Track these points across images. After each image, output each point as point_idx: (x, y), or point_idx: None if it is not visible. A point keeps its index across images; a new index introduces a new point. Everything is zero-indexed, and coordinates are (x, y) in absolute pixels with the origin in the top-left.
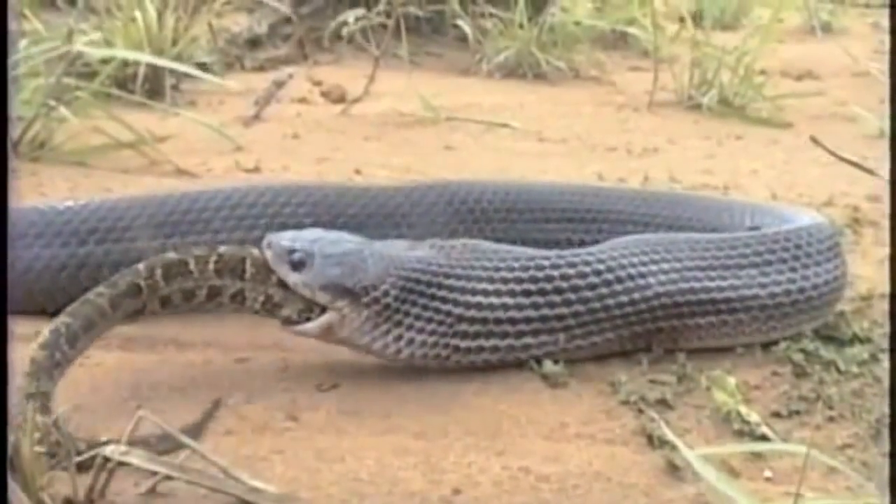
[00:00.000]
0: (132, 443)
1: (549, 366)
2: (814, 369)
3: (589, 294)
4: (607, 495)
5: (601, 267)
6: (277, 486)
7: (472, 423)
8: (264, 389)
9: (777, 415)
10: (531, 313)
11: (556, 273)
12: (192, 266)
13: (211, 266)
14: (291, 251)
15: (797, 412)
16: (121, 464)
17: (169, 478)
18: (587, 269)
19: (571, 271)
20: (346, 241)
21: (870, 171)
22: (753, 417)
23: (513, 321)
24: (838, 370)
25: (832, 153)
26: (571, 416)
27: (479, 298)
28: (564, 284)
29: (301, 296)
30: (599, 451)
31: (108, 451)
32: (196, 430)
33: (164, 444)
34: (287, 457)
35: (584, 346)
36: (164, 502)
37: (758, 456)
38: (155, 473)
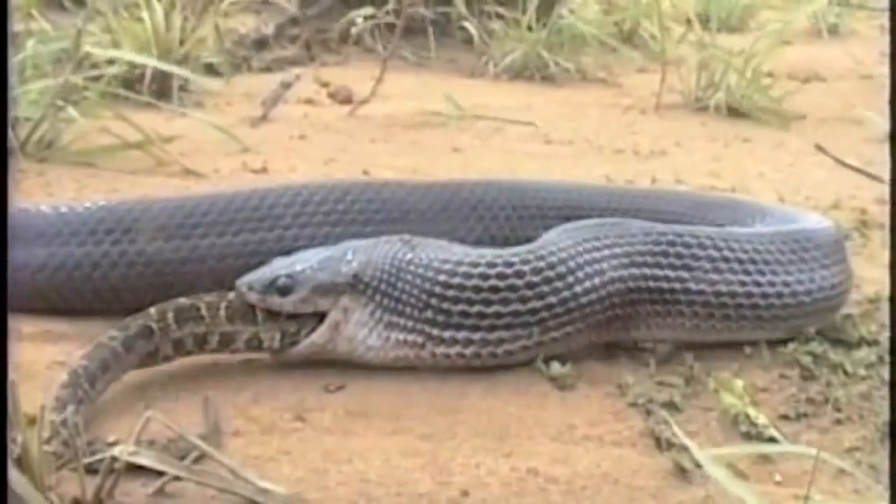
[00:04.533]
0: (148, 444)
1: (556, 367)
2: (821, 372)
3: (559, 286)
4: (615, 497)
5: (574, 262)
6: (285, 486)
7: (480, 424)
8: (272, 390)
9: (785, 417)
10: (501, 308)
11: (526, 268)
12: (203, 311)
13: (222, 312)
14: (274, 280)
15: (805, 415)
16: (130, 464)
17: (177, 478)
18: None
19: (542, 264)
20: (311, 253)
21: (873, 177)
22: (761, 420)
23: (482, 315)
24: (846, 373)
25: (837, 160)
26: (579, 418)
27: (445, 291)
28: (535, 279)
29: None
30: (607, 453)
31: (117, 451)
32: (214, 437)
33: (178, 448)
34: (295, 457)
35: (558, 338)
36: (173, 503)
37: (766, 458)
38: (163, 474)
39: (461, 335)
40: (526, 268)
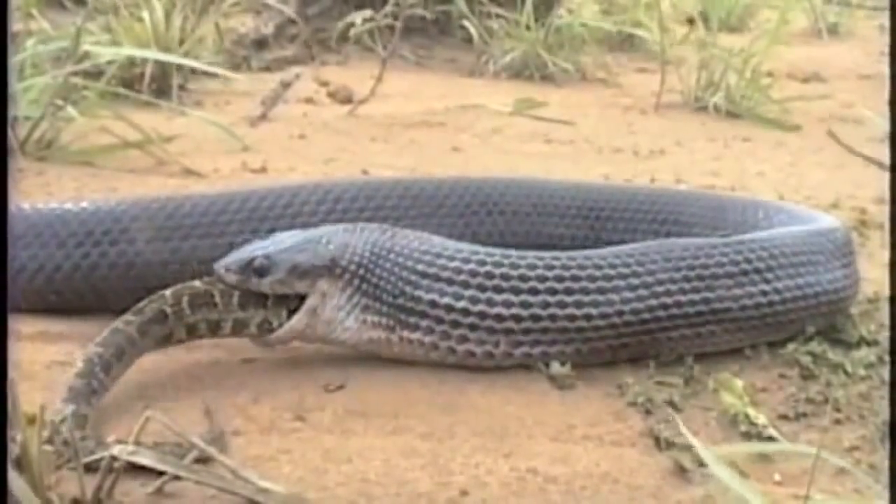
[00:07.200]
0: (152, 446)
1: (556, 367)
2: (821, 372)
3: (535, 299)
4: (615, 497)
5: (548, 272)
6: (285, 486)
7: (479, 424)
8: (272, 390)
9: (784, 417)
10: (473, 307)
11: (497, 272)
12: (216, 298)
13: (235, 299)
14: (250, 261)
15: (804, 414)
16: (129, 464)
17: (177, 478)
18: (533, 273)
19: (514, 273)
20: (289, 235)
21: (883, 165)
22: (761, 420)
23: (451, 309)
24: (846, 372)
25: (850, 149)
26: (579, 418)
27: (420, 280)
28: (504, 284)
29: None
30: (607, 452)
31: (116, 451)
32: (219, 441)
33: (181, 451)
34: (294, 457)
35: (534, 354)
36: (172, 503)
37: (765, 458)
38: (162, 474)
39: (424, 323)
40: (497, 271)
